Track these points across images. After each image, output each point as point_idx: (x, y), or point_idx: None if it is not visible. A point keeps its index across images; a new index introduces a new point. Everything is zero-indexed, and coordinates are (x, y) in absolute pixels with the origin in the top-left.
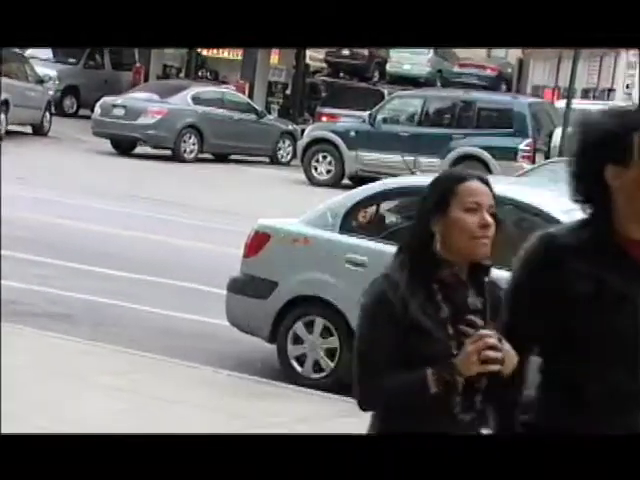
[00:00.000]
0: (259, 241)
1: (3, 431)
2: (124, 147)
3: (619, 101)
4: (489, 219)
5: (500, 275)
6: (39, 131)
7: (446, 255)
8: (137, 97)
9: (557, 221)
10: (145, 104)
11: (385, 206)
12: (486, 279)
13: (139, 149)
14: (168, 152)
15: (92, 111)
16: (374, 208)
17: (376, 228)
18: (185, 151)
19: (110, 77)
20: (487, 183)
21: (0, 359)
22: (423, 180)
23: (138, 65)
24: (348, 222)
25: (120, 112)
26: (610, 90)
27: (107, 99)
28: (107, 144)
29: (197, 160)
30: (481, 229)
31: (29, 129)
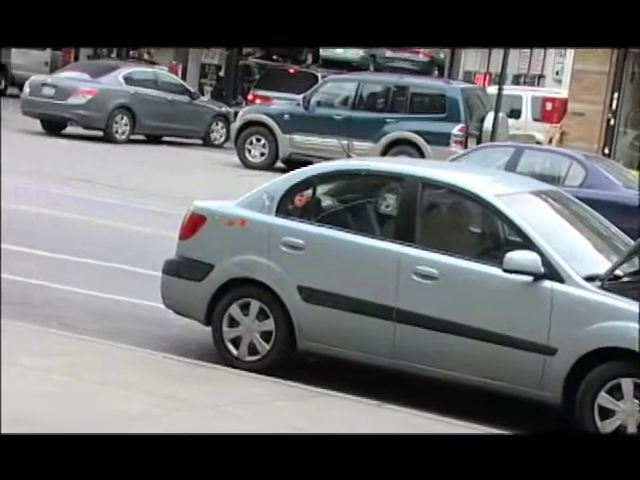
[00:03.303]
0: (194, 223)
1: None
2: (54, 127)
3: (549, 87)
4: None
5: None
6: None
7: None
8: (67, 76)
9: (491, 205)
10: (75, 84)
11: (321, 189)
12: None
13: (70, 129)
14: (100, 133)
15: (21, 90)
16: (310, 191)
17: (312, 211)
18: (117, 132)
19: (49, 58)
20: None
21: None
22: (359, 164)
23: None
24: (284, 205)
25: (50, 91)
26: (540, 76)
27: (36, 78)
28: (37, 124)
29: (129, 141)
30: None
31: None
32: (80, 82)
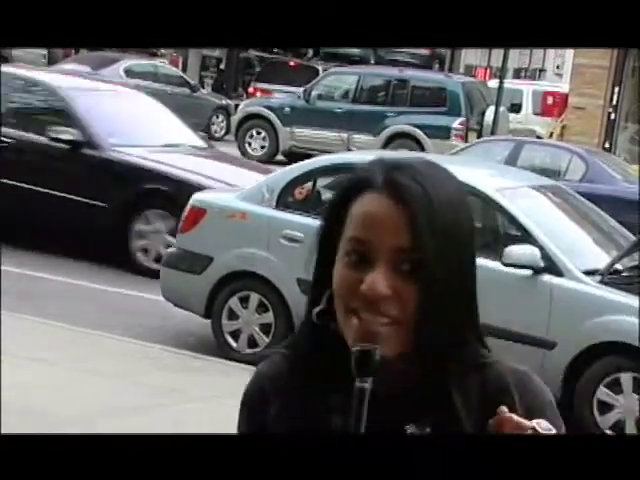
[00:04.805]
0: (194, 216)
1: None
2: None
3: (550, 81)
4: (376, 280)
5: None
6: None
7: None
8: (68, 70)
9: (491, 199)
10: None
11: (321, 182)
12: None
13: None
14: None
15: None
16: (310, 184)
17: (312, 204)
18: None
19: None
20: (405, 198)
21: None
22: (360, 157)
23: None
24: (284, 198)
25: None
26: (541, 70)
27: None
28: None
29: None
30: (364, 298)
31: None
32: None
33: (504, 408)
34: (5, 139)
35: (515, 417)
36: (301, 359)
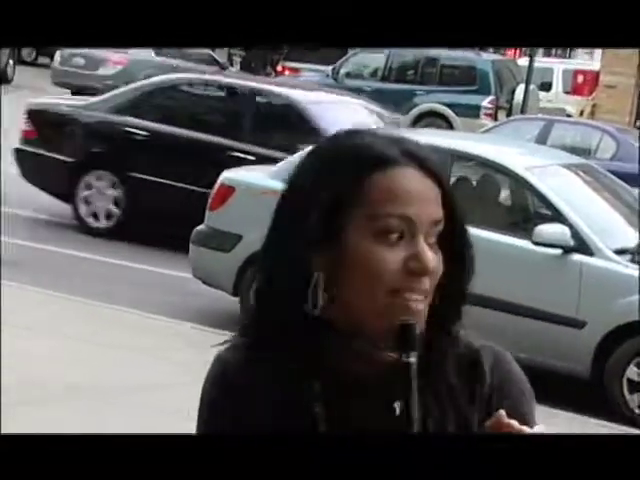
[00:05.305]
0: (223, 194)
1: None
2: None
3: (580, 59)
4: (428, 255)
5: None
6: (3, 79)
7: (343, 324)
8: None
9: (521, 178)
10: (105, 53)
11: None
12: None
13: None
14: None
15: (52, 59)
16: None
17: None
18: None
19: None
20: (432, 170)
21: None
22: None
23: None
24: None
25: (80, 61)
26: (572, 49)
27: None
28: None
29: None
30: (409, 276)
31: None
32: (110, 53)
33: (502, 412)
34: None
35: (514, 423)
36: (278, 346)
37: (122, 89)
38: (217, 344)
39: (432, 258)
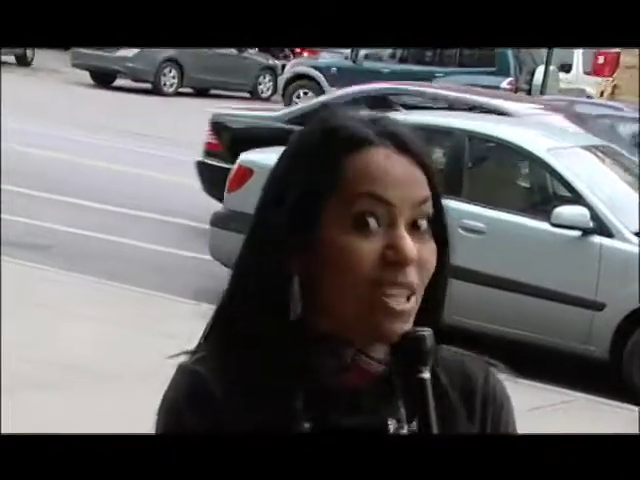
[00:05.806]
0: (242, 175)
1: None
2: (104, 79)
3: None
4: (407, 243)
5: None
6: (23, 61)
7: (326, 330)
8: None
9: (540, 159)
10: None
11: None
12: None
13: (119, 82)
14: (148, 85)
15: None
16: None
17: None
18: (165, 85)
19: None
20: (412, 150)
21: None
22: (406, 117)
23: None
24: None
25: None
26: None
27: None
28: (86, 76)
29: (177, 94)
30: (388, 267)
31: (12, 59)
32: None
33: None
34: None
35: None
36: (253, 356)
37: (315, 100)
38: (179, 353)
39: (413, 246)
